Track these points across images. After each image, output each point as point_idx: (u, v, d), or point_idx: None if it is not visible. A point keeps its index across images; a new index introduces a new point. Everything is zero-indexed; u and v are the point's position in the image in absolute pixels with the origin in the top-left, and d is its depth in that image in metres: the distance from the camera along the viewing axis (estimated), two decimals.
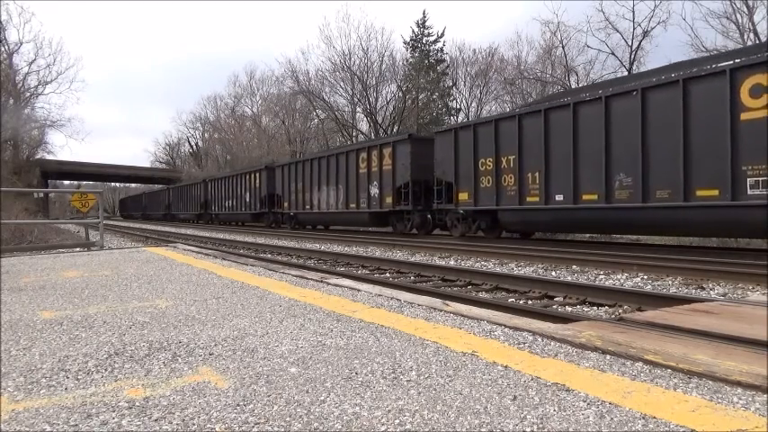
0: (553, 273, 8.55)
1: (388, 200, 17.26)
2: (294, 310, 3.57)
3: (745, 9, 23.59)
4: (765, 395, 1.87)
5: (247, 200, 28.70)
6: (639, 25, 27.81)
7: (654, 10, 27.47)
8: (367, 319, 3.21)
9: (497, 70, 36.52)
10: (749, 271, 7.00)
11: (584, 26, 39.77)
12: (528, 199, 12.37)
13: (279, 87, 47.71)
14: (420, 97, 38.19)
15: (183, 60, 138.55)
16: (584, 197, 11.08)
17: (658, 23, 27.49)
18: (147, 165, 77.12)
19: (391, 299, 3.88)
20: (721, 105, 8.78)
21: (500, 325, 2.97)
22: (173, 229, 30.23)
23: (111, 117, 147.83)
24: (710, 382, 2.01)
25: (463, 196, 14.26)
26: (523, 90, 32.70)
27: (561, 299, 6.19)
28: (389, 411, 1.80)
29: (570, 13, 73.26)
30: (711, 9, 33.97)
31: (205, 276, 5.43)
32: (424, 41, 40.03)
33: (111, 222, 45.17)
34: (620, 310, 5.39)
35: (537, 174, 12.14)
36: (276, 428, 1.68)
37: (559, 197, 11.64)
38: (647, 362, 2.24)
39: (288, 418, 1.75)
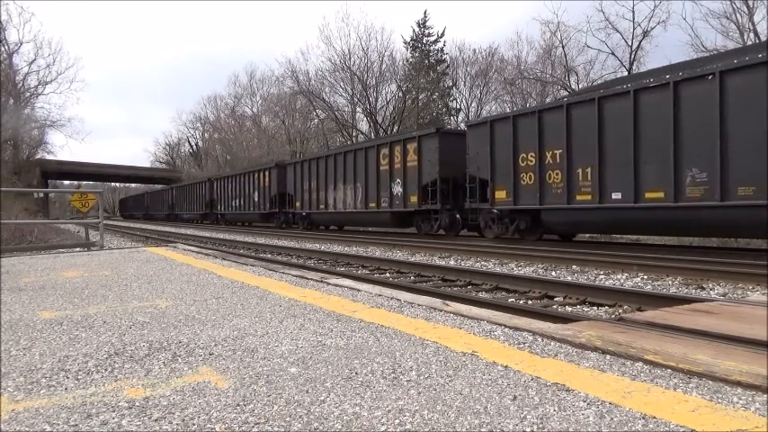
0: (553, 273, 8.55)
1: (413, 199, 16.21)
2: (294, 310, 3.57)
3: (745, 9, 23.61)
4: (765, 395, 1.87)
5: (256, 199, 27.57)
6: (639, 25, 27.85)
7: (654, 10, 27.53)
8: (367, 319, 3.21)
9: (497, 70, 36.54)
10: (749, 271, 7.00)
11: (584, 26, 39.80)
12: (578, 197, 11.21)
13: (279, 87, 47.78)
14: (420, 97, 38.21)
15: (182, 60, 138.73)
16: (648, 195, 9.91)
17: (658, 23, 27.53)
18: (147, 165, 77.20)
19: (391, 299, 3.88)
20: None
21: (500, 325, 2.97)
22: (173, 229, 30.22)
23: (111, 117, 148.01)
24: (710, 382, 2.01)
25: (500, 195, 13.14)
26: (523, 90, 32.70)
27: (561, 299, 6.19)
28: (389, 411, 1.80)
29: (570, 13, 73.35)
30: (711, 9, 33.99)
31: (205, 276, 5.43)
32: (424, 41, 40.06)
33: (111, 222, 45.14)
34: (620, 310, 5.39)
35: (589, 169, 10.98)
36: (276, 428, 1.68)
37: (616, 195, 10.46)
38: (647, 362, 2.24)
39: (288, 418, 1.75)
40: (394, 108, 38.07)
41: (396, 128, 36.03)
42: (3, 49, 32.35)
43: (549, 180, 11.89)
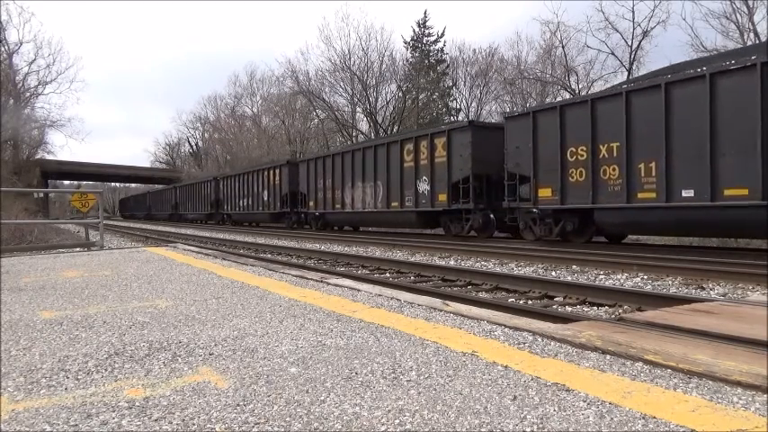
0: (553, 273, 8.55)
1: (442, 197, 14.99)
2: (294, 310, 3.57)
3: (745, 9, 23.61)
4: (765, 395, 1.87)
5: (266, 198, 26.16)
6: (639, 25, 27.85)
7: (654, 10, 27.52)
8: (367, 319, 3.21)
9: (497, 70, 36.53)
10: (749, 271, 7.00)
11: (584, 26, 39.76)
12: (639, 195, 10.03)
13: (279, 87, 47.78)
14: (420, 97, 38.22)
15: (182, 60, 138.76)
16: (728, 192, 8.75)
17: (658, 23, 27.51)
18: (147, 165, 77.17)
19: (391, 299, 3.88)
20: None
21: (500, 325, 2.97)
22: (173, 229, 30.22)
23: (111, 117, 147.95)
24: (710, 382, 2.01)
25: (545, 192, 11.92)
26: (523, 90, 32.70)
27: (561, 299, 6.19)
28: (389, 411, 1.80)
29: (570, 13, 73.35)
30: (711, 9, 33.95)
31: (205, 276, 5.43)
32: (424, 41, 40.07)
33: (111, 222, 45.13)
34: (620, 310, 5.39)
35: (653, 164, 9.78)
36: (276, 428, 1.68)
37: (687, 192, 9.28)
38: (647, 362, 2.24)
39: (288, 418, 1.75)
40: (394, 108, 38.08)
41: (396, 128, 36.03)
42: (3, 49, 32.39)
43: (604, 176, 10.67)
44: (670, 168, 9.56)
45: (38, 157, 39.07)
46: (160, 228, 32.76)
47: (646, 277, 7.57)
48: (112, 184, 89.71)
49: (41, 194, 36.60)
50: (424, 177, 15.75)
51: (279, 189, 24.91)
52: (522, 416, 1.74)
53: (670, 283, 7.18)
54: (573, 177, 11.35)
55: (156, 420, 1.75)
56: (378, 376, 2.16)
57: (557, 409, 1.79)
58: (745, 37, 23.56)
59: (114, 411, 1.83)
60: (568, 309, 5.72)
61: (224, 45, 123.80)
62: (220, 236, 21.53)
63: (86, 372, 2.28)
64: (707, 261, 8.05)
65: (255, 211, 27.94)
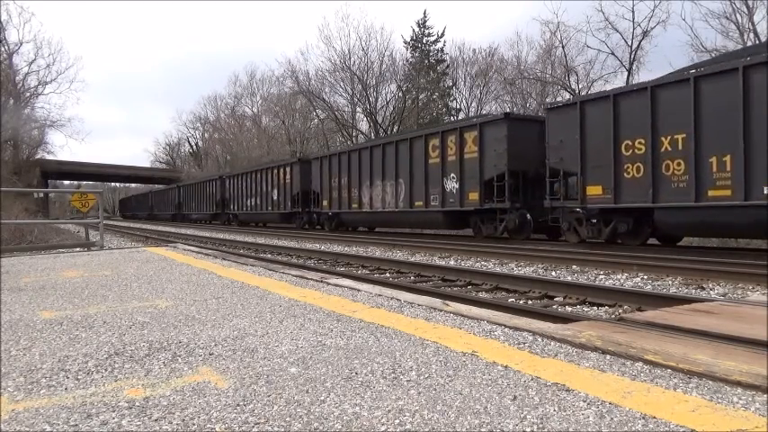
0: (553, 273, 8.55)
1: (473, 196, 13.97)
2: (294, 310, 3.57)
3: (745, 9, 23.61)
4: (765, 395, 1.87)
5: (275, 198, 25.14)
6: (639, 25, 27.84)
7: (653, 10, 27.52)
8: (367, 319, 3.21)
9: (497, 70, 36.52)
10: (749, 271, 7.00)
11: (583, 26, 39.74)
12: (711, 193, 9.04)
13: (279, 87, 47.79)
14: (420, 97, 38.23)
15: (182, 60, 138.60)
16: None
17: (658, 23, 27.51)
18: (147, 165, 77.16)
19: (391, 299, 3.88)
20: None
21: (500, 325, 2.97)
22: (173, 229, 30.22)
23: (111, 117, 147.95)
24: (710, 382, 2.01)
25: (594, 190, 10.90)
26: (523, 90, 32.71)
27: (561, 299, 6.19)
28: (389, 411, 1.80)
29: (570, 13, 73.34)
30: (711, 9, 33.97)
31: (205, 276, 5.43)
32: (424, 41, 40.06)
33: (112, 222, 45.12)
34: (620, 310, 5.39)
35: (727, 158, 8.81)
36: (276, 428, 1.68)
37: None
38: (647, 362, 2.24)
39: (288, 418, 1.75)
40: (394, 108, 38.08)
41: (396, 128, 36.03)
42: (3, 49, 32.40)
43: (667, 172, 9.63)
44: (749, 163, 8.55)
45: (38, 157, 39.09)
46: (160, 228, 32.76)
47: (646, 277, 7.57)
48: (112, 184, 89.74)
49: (41, 194, 36.61)
50: (452, 175, 14.69)
51: (290, 188, 23.84)
52: (522, 416, 1.74)
53: (670, 283, 7.18)
54: (628, 173, 10.29)
55: (156, 420, 1.75)
56: (378, 376, 2.16)
57: (557, 409, 1.79)
58: (745, 37, 23.56)
59: (114, 411, 1.83)
60: (568, 309, 5.72)
61: (224, 45, 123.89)
62: (220, 236, 21.54)
63: (86, 372, 2.28)
64: (707, 261, 8.05)
65: (264, 211, 26.87)
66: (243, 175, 29.73)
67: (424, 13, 44.42)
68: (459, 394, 1.94)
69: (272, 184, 25.59)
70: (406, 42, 40.18)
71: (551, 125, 11.92)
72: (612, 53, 29.21)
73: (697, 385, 1.98)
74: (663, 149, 9.77)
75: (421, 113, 37.45)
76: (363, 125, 39.73)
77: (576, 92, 29.63)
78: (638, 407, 1.79)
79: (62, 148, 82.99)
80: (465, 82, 39.24)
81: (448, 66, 39.79)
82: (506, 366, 2.25)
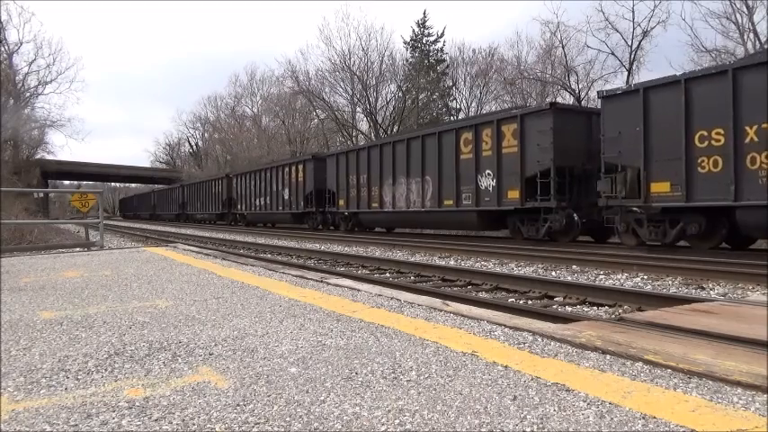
0: (553, 273, 8.55)
1: (513, 194, 12.87)
2: (294, 310, 3.57)
3: (745, 9, 23.58)
4: (765, 395, 1.87)
5: (286, 197, 24.11)
6: (639, 25, 27.79)
7: (653, 10, 27.43)
8: (367, 319, 3.21)
9: (497, 70, 36.48)
10: (749, 271, 7.01)
11: (583, 26, 39.67)
12: None
13: (279, 87, 47.77)
14: (420, 97, 38.20)
15: (183, 60, 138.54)
16: None
17: (658, 23, 27.44)
18: (147, 165, 77.13)
19: (391, 299, 3.88)
20: None
21: (500, 325, 2.97)
22: (173, 229, 30.22)
23: (111, 117, 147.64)
24: (710, 382, 2.01)
25: (660, 187, 9.78)
26: (523, 90, 32.69)
27: (561, 299, 6.19)
28: (389, 411, 1.80)
29: (570, 13, 73.30)
30: (711, 9, 33.92)
31: (205, 276, 5.43)
32: (424, 41, 40.02)
33: (112, 222, 45.10)
34: (620, 310, 5.39)
35: None
36: (276, 428, 1.68)
37: None
38: (647, 362, 2.24)
39: (288, 418, 1.75)
40: (394, 108, 38.06)
41: (396, 128, 36.01)
42: (3, 49, 32.41)
43: (753, 166, 8.54)
44: None
45: (38, 157, 39.10)
46: (161, 228, 32.75)
47: (646, 277, 7.57)
48: (112, 184, 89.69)
49: (41, 194, 36.61)
50: (488, 171, 13.56)
51: (302, 186, 22.73)
52: (522, 416, 1.74)
53: (670, 283, 7.18)
54: (704, 168, 9.18)
55: (156, 420, 1.75)
56: (378, 376, 2.16)
57: (557, 409, 1.79)
58: (745, 37, 23.55)
59: (114, 411, 1.83)
60: (568, 309, 5.72)
61: (224, 45, 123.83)
62: (221, 236, 21.54)
63: (86, 372, 2.28)
64: (707, 261, 8.05)
65: (274, 211, 25.75)
66: (251, 173, 28.62)
67: (424, 13, 44.35)
68: (459, 394, 1.94)
69: (282, 183, 24.62)
70: (405, 42, 40.18)
71: (607, 115, 10.72)
72: (612, 53, 29.18)
73: (697, 385, 1.98)
74: (748, 140, 8.60)
75: (421, 113, 37.44)
76: (363, 125, 39.76)
77: (576, 92, 29.63)
78: (638, 407, 1.79)
79: (62, 148, 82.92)
80: (465, 82, 39.23)
81: (448, 66, 39.77)
82: (506, 366, 2.25)
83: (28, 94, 35.52)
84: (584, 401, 1.85)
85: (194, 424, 1.71)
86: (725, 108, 8.86)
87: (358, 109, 38.67)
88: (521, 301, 6.13)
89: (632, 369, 2.18)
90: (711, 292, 6.53)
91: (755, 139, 8.55)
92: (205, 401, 1.90)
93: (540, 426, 1.66)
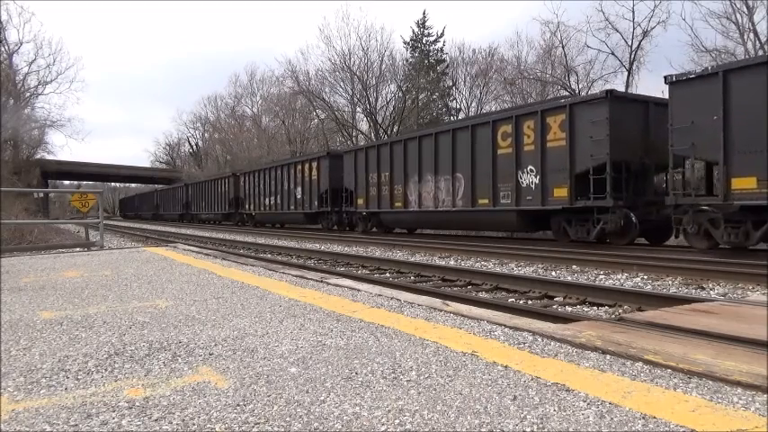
0: (553, 273, 8.55)
1: (559, 192, 11.67)
2: (294, 310, 3.57)
3: (745, 9, 23.57)
4: (765, 395, 1.87)
5: (299, 196, 22.86)
6: (639, 25, 27.77)
7: (653, 10, 27.42)
8: (367, 319, 3.21)
9: (497, 70, 36.47)
10: (749, 271, 7.01)
11: (583, 26, 39.67)
12: None
13: (279, 87, 47.76)
14: (420, 97, 38.19)
15: (183, 60, 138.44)
16: None
17: (658, 23, 27.42)
18: (148, 165, 77.09)
19: (391, 299, 3.88)
20: None
21: (500, 325, 2.97)
22: (173, 229, 30.21)
23: (111, 117, 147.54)
24: (710, 382, 2.01)
25: (743, 183, 8.56)
26: (523, 90, 32.69)
27: (561, 299, 6.19)
28: (389, 411, 1.80)
29: (570, 13, 73.30)
30: (711, 9, 33.91)
31: (205, 276, 5.43)
32: (423, 41, 40.01)
33: (112, 222, 45.08)
34: (620, 310, 5.39)
35: None
36: (276, 428, 1.68)
37: None
38: (647, 362, 2.24)
39: (288, 418, 1.75)
40: (394, 108, 38.06)
41: (396, 128, 36.01)
42: (3, 49, 32.40)
43: None
44: None
45: (38, 157, 39.06)
46: (161, 228, 32.74)
47: (646, 277, 7.57)
48: (112, 183, 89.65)
49: (41, 194, 36.61)
50: (530, 167, 12.34)
51: (317, 185, 21.51)
52: (522, 416, 1.74)
53: (670, 283, 7.18)
54: None
55: (156, 420, 1.75)
56: (378, 376, 2.16)
57: (557, 409, 1.79)
58: (745, 37, 23.55)
59: (114, 411, 1.83)
60: (568, 309, 5.72)
61: (224, 45, 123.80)
62: (220, 236, 21.55)
63: (86, 372, 2.28)
64: (707, 261, 8.05)
65: (285, 211, 24.43)
66: (260, 171, 27.29)
67: (424, 13, 44.29)
68: (459, 394, 1.94)
69: (295, 182, 23.32)
70: (405, 42, 40.15)
71: (677, 103, 9.44)
72: (612, 53, 29.17)
73: (697, 385, 1.98)
74: None
75: (421, 113, 37.44)
76: (363, 125, 39.76)
77: (577, 92, 29.63)
78: (638, 407, 1.79)
79: (62, 148, 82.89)
80: (465, 82, 39.22)
81: (448, 66, 39.76)
82: (506, 366, 2.25)
83: (28, 94, 35.55)
84: (585, 401, 1.85)
85: (194, 424, 1.71)
86: None
87: (358, 109, 38.69)
88: (521, 301, 6.13)
89: (632, 369, 2.18)
90: (711, 292, 6.53)
91: None
92: (205, 401, 1.90)
93: (540, 426, 1.66)
